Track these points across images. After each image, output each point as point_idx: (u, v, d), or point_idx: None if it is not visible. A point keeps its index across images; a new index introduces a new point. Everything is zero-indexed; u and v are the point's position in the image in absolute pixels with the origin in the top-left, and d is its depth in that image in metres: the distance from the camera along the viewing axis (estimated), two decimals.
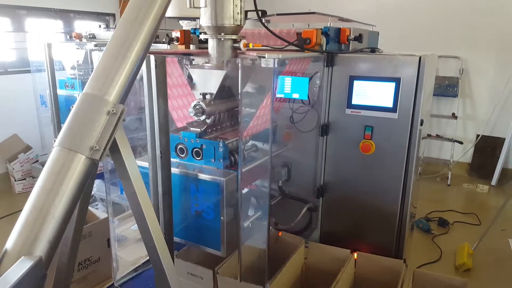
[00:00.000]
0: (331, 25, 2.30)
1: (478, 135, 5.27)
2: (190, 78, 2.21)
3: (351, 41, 2.41)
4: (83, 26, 5.69)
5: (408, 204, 2.20)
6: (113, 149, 1.37)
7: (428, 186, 4.93)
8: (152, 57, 1.67)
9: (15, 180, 4.71)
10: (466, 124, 5.43)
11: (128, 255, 2.60)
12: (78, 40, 4.29)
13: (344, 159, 2.31)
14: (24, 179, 4.76)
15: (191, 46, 2.54)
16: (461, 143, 5.15)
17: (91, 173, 1.29)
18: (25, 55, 4.90)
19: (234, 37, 1.95)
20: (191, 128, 2.03)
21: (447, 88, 5.32)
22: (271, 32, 2.02)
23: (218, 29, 1.92)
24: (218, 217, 1.79)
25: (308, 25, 2.82)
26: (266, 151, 2.30)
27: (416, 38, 5.34)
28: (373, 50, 2.47)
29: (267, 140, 2.18)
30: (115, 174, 2.31)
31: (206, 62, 2.06)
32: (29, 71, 4.58)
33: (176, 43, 2.47)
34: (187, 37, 2.48)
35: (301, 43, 2.08)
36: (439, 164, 5.35)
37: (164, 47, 2.82)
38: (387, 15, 5.42)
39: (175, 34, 2.47)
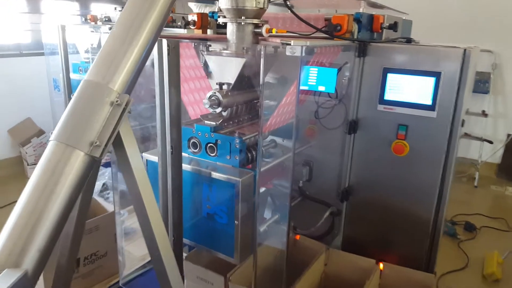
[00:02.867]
0: (364, 11, 2.09)
1: (509, 135, 4.97)
2: (206, 65, 2.03)
3: (384, 30, 2.19)
4: (100, 8, 5.55)
5: (443, 212, 2.00)
6: (117, 144, 1.21)
7: (454, 186, 4.66)
8: (164, 41, 1.50)
9: (27, 165, 4.66)
10: (496, 122, 5.12)
11: (137, 250, 2.48)
12: (93, 23, 4.14)
13: (373, 160, 2.10)
14: (37, 163, 4.69)
15: (209, 31, 2.36)
16: (490, 142, 4.86)
17: (91, 171, 1.13)
18: (40, 37, 4.79)
19: (255, 21, 1.76)
20: (206, 121, 1.86)
21: (477, 83, 5.00)
22: (298, 17, 1.82)
23: (239, 12, 1.74)
24: (232, 221, 1.62)
25: (336, 11, 2.59)
26: (285, 148, 2.12)
27: (446, 30, 5.01)
28: (409, 40, 2.24)
29: (287, 135, 2.00)
30: None
31: (224, 49, 1.88)
32: (43, 54, 4.47)
33: (193, 27, 2.28)
34: (205, 21, 2.29)
35: (331, 29, 1.87)
36: (465, 163, 5.07)
37: (181, 31, 2.64)
38: (416, 3, 5.09)
39: (192, 17, 2.28)
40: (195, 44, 2.25)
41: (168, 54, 1.51)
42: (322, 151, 2.18)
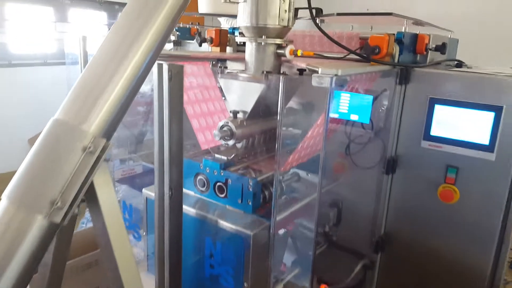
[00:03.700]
0: (407, 30, 1.77)
1: None
2: (221, 90, 1.78)
3: (429, 52, 1.86)
4: None
5: (501, 271, 1.63)
6: (90, 198, 0.96)
7: None
8: (165, 66, 1.24)
9: None
10: None
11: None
12: None
13: (414, 207, 1.75)
14: None
15: (228, 49, 2.11)
16: None
17: (52, 239, 0.88)
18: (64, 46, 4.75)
19: (278, 41, 1.50)
20: (216, 155, 1.60)
21: None
22: (329, 37, 1.54)
23: (259, 31, 1.50)
24: (240, 286, 1.34)
25: (371, 28, 2.28)
26: (310, 183, 1.82)
27: (491, 52, 4.47)
28: (459, 64, 1.90)
29: (312, 169, 1.71)
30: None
31: (242, 71, 1.62)
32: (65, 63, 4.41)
33: (210, 45, 2.04)
34: (223, 38, 2.05)
35: (368, 52, 1.57)
36: None
37: (204, 49, 2.39)
38: (460, 20, 4.62)
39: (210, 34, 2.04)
40: (213, 62, 2.01)
41: (170, 80, 1.26)
42: (353, 190, 1.86)
